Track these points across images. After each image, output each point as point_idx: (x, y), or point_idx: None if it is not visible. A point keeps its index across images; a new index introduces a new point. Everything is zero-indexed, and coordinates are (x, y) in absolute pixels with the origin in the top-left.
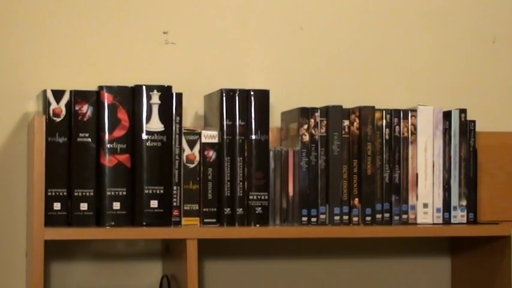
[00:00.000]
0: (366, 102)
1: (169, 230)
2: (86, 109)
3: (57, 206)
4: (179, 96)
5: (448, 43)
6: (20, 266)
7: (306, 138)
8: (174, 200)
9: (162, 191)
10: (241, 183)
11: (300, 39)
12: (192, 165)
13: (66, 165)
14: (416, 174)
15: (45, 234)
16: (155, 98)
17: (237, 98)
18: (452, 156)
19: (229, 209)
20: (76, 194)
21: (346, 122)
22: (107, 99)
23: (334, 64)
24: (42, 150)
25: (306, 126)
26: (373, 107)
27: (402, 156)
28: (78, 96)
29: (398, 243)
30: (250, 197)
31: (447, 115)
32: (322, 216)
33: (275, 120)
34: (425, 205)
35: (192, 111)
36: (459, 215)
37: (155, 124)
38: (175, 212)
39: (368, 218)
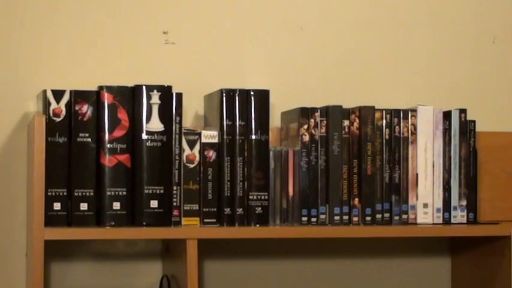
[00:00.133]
0: (366, 102)
1: (169, 230)
2: (86, 109)
3: (57, 206)
4: (179, 96)
5: (448, 43)
6: (20, 266)
7: (306, 138)
8: (174, 200)
9: (162, 191)
10: (241, 183)
11: (300, 39)
12: (192, 165)
13: (66, 165)
14: (416, 174)
15: (45, 234)
16: (155, 98)
17: (237, 98)
18: (452, 156)
19: (229, 209)
20: (76, 194)
21: (346, 122)
22: (107, 99)
23: (334, 64)
24: (42, 150)
25: (306, 126)
26: (373, 107)
27: (402, 156)
28: (78, 96)
29: (398, 243)
30: (250, 197)
31: (447, 115)
32: (322, 216)
33: (275, 120)
34: (425, 205)
35: (192, 111)
36: (459, 215)
37: (155, 124)
38: (175, 212)
39: (368, 218)
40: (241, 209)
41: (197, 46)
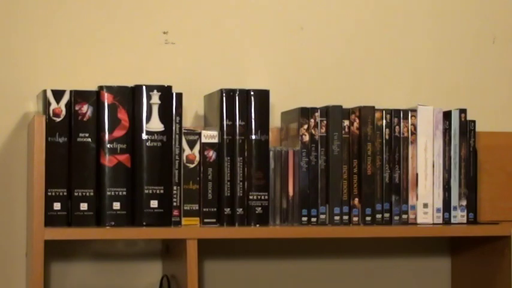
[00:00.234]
0: (366, 102)
1: (169, 230)
2: (86, 109)
3: (57, 206)
4: (179, 96)
5: (448, 43)
6: (20, 266)
7: (306, 138)
8: (174, 200)
9: (162, 191)
10: (241, 183)
11: (300, 39)
12: (192, 165)
13: (66, 165)
14: (416, 174)
15: (45, 234)
16: (155, 98)
17: (237, 98)
18: (452, 156)
19: (229, 209)
20: (76, 194)
21: (346, 122)
22: (107, 99)
23: (334, 64)
24: (42, 150)
25: (306, 126)
26: (373, 107)
27: (402, 156)
28: (78, 96)
29: (398, 243)
30: (250, 197)
31: (447, 115)
32: (322, 216)
33: (275, 120)
34: (425, 205)
35: (192, 111)
36: (459, 215)
37: (155, 124)
38: (175, 212)
39: (368, 218)
40: (241, 209)
41: (197, 46)
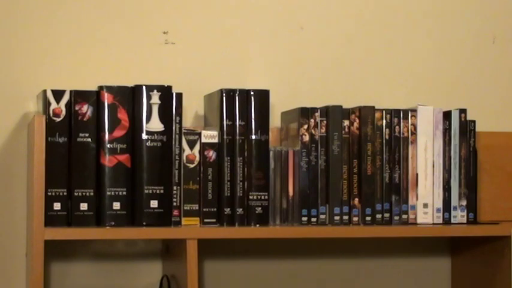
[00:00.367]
0: (366, 102)
1: (169, 230)
2: (86, 109)
3: (57, 206)
4: (179, 96)
5: (448, 43)
6: (20, 266)
7: (306, 138)
8: (174, 200)
9: (162, 191)
10: (241, 183)
11: (300, 39)
12: (192, 165)
13: (66, 165)
14: (416, 174)
15: (45, 234)
16: (155, 98)
17: (237, 98)
18: (452, 156)
19: (229, 209)
20: (76, 194)
21: (346, 122)
22: (107, 99)
23: (334, 64)
24: (42, 150)
25: (306, 126)
26: (373, 107)
27: (402, 156)
28: (78, 96)
29: (398, 243)
30: (250, 197)
31: (447, 115)
32: (322, 216)
33: (275, 120)
34: (425, 205)
35: (192, 111)
36: (459, 215)
37: (155, 124)
38: (175, 212)
39: (368, 218)
40: (241, 209)
41: (197, 46)
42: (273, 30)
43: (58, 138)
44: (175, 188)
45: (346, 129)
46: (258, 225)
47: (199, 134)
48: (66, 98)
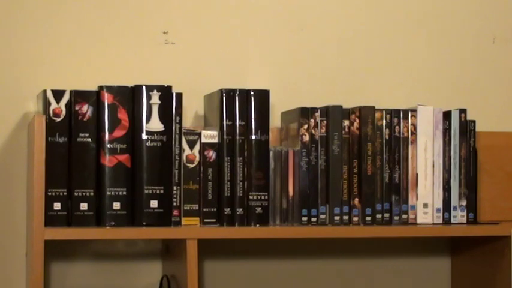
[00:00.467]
0: (366, 102)
1: (169, 230)
2: (86, 109)
3: (57, 206)
4: (179, 96)
5: (448, 43)
6: (20, 266)
7: (306, 138)
8: (174, 200)
9: (162, 191)
10: (241, 183)
11: (300, 40)
12: (192, 165)
13: (66, 165)
14: (416, 174)
15: (45, 234)
16: (155, 98)
17: (237, 98)
18: (452, 156)
19: (229, 209)
20: (76, 194)
21: (346, 122)
22: (107, 99)
23: (334, 64)
24: (42, 150)
25: (306, 126)
26: (373, 107)
27: (402, 156)
28: (78, 96)
29: (398, 243)
30: (250, 197)
31: (447, 115)
32: (322, 216)
33: (275, 120)
34: (425, 205)
35: (192, 111)
36: (459, 215)
37: (155, 124)
38: (175, 212)
39: (368, 218)
40: (241, 209)
41: (197, 46)
42: (273, 30)
43: (58, 138)
44: (175, 188)
45: (346, 129)
46: (258, 225)
47: (199, 134)
48: (66, 98)
